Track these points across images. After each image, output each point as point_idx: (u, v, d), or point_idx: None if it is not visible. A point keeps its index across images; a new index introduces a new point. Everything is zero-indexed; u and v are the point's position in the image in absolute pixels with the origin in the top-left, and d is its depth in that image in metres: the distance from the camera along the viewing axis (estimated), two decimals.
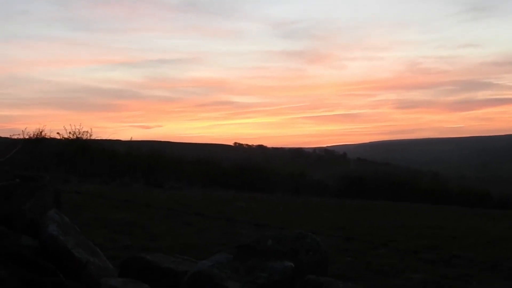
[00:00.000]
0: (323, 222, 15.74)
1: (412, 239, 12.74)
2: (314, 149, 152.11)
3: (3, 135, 31.83)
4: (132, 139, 36.90)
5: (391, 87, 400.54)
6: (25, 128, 29.15)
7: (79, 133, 29.76)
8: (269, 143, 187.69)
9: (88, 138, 30.05)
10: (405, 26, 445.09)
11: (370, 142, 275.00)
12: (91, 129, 30.35)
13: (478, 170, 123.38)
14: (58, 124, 65.21)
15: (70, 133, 29.61)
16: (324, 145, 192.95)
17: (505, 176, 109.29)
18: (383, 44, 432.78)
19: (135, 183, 26.51)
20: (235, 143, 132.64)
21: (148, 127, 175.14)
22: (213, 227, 12.19)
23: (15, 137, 28.30)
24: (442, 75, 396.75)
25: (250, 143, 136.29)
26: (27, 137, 28.25)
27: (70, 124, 30.30)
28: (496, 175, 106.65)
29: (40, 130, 28.79)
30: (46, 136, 29.24)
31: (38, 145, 28.46)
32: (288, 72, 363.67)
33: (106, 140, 32.59)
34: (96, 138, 30.99)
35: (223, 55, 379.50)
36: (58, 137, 29.71)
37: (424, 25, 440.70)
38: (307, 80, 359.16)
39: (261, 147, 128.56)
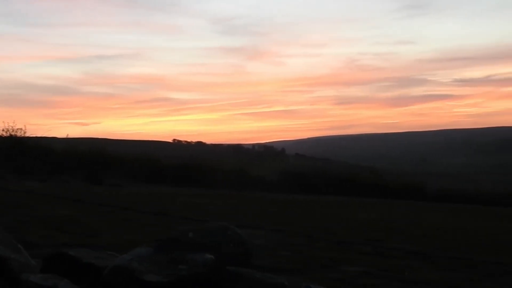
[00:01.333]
0: (264, 216, 15.82)
1: (351, 232, 12.93)
2: (254, 145, 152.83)
3: None
4: (68, 136, 36.34)
5: (329, 83, 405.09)
6: None
7: (13, 131, 29.13)
8: (208, 140, 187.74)
9: (23, 135, 29.42)
10: (343, 23, 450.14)
11: (308, 138, 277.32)
12: (25, 126, 29.70)
13: (415, 165, 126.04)
14: None
15: (3, 130, 28.96)
16: (263, 141, 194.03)
17: (441, 170, 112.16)
18: (322, 40, 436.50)
19: (74, 180, 26.11)
20: (174, 139, 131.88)
21: (85, 124, 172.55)
22: (153, 222, 12.12)
23: None
24: (379, 71, 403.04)
25: (189, 140, 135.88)
26: None
27: (3, 122, 29.62)
28: (432, 169, 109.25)
29: None
30: None
31: None
32: (227, 68, 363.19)
33: (41, 137, 31.99)
34: (31, 136, 30.35)
35: (163, 51, 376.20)
36: None
37: (362, 22, 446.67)
38: (246, 77, 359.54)
39: (200, 144, 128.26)
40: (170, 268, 4.37)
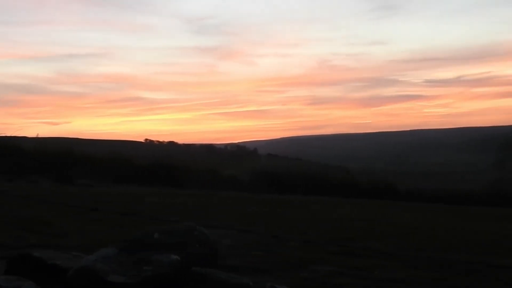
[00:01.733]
0: (235, 216, 15.78)
1: (322, 231, 12.95)
2: (226, 145, 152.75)
3: None
4: (38, 136, 36.00)
5: (301, 83, 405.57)
6: None
7: None
8: (180, 140, 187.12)
9: None
10: (315, 23, 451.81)
11: (281, 138, 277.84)
12: None
13: (387, 164, 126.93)
14: None
15: None
16: (236, 141, 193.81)
17: (412, 169, 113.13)
18: (294, 41, 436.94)
19: (44, 181, 25.82)
20: (146, 139, 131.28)
21: (56, 124, 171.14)
22: (123, 223, 12.03)
23: None
24: (351, 72, 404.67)
25: (161, 140, 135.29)
26: None
27: None
28: (403, 169, 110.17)
29: None
30: None
31: None
32: (199, 68, 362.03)
33: (11, 137, 31.64)
34: (0, 135, 30.01)
35: (134, 50, 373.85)
36: None
37: (334, 23, 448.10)
38: (218, 76, 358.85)
39: (172, 144, 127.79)
40: (135, 269, 4.33)
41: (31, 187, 21.55)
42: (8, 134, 31.44)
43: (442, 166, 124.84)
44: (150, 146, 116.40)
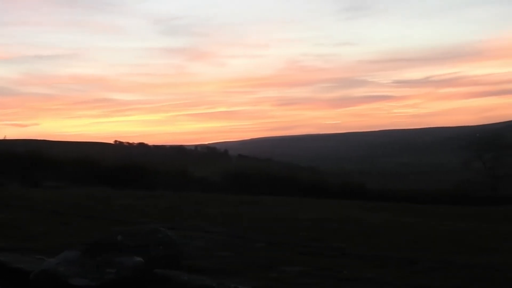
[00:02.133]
0: (205, 217, 15.79)
1: (291, 232, 13.03)
2: (196, 146, 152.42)
3: None
4: (6, 138, 35.59)
5: (271, 84, 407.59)
6: None
7: None
8: (150, 141, 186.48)
9: None
10: (285, 24, 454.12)
11: (251, 139, 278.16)
12: None
13: (356, 165, 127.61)
14: None
15: None
16: (206, 142, 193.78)
17: (381, 170, 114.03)
18: (264, 41, 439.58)
19: (11, 183, 25.52)
20: (116, 141, 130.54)
21: (24, 125, 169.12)
22: (90, 225, 11.97)
23: None
24: (320, 72, 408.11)
25: (131, 141, 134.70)
26: None
27: None
28: (373, 169, 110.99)
29: None
30: None
31: None
32: (169, 69, 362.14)
33: None
34: None
35: (103, 51, 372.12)
36: None
37: (304, 23, 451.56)
38: (188, 78, 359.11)
39: (142, 145, 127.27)
40: (98, 271, 4.33)
41: None
42: None
43: (410, 166, 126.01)
44: (119, 148, 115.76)
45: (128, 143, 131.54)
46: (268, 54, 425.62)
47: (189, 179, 40.26)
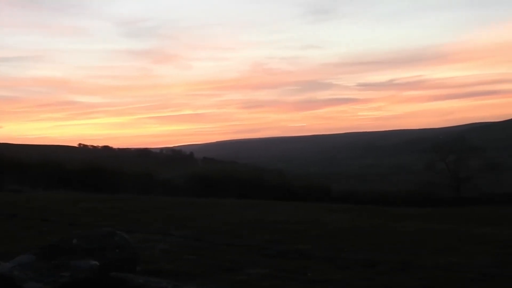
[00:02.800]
0: (169, 220, 15.74)
1: (257, 234, 13.05)
2: (161, 149, 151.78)
3: None
4: None
5: (237, 87, 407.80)
6: None
7: None
8: (115, 144, 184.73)
9: None
10: (250, 27, 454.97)
11: (217, 142, 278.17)
12: None
13: (321, 167, 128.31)
14: None
15: None
16: (172, 145, 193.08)
17: (346, 172, 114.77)
18: (229, 44, 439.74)
19: None
20: (80, 144, 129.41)
21: None
22: (54, 229, 11.82)
23: None
24: (286, 75, 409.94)
25: (95, 144, 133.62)
26: None
27: None
28: (337, 171, 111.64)
29: None
30: None
31: None
32: (134, 71, 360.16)
33: None
34: None
35: (68, 53, 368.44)
36: None
37: (269, 27, 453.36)
38: (153, 80, 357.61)
39: (107, 148, 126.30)
40: (53, 275, 4.30)
41: None
42: None
43: (374, 168, 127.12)
44: (84, 151, 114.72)
45: (92, 146, 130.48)
46: (234, 57, 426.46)
47: (154, 182, 40.09)
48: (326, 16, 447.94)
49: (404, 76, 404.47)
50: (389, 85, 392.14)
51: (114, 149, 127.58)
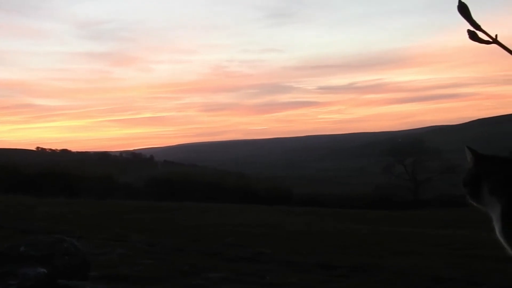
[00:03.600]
0: (128, 224, 15.63)
1: (217, 238, 13.02)
2: (121, 152, 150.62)
3: None
4: None
5: (197, 90, 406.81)
6: None
7: None
8: (74, 147, 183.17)
9: None
10: (211, 30, 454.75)
11: (177, 145, 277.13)
12: None
13: (282, 170, 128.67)
14: None
15: None
16: (132, 148, 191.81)
17: (307, 174, 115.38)
18: (190, 47, 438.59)
19: None
20: (38, 147, 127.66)
21: None
22: (8, 236, 11.64)
23: None
24: (246, 78, 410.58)
25: (53, 148, 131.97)
26: None
27: None
28: (298, 174, 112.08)
29: None
30: None
31: None
32: (93, 74, 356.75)
33: None
34: None
35: (25, 55, 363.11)
36: None
37: (229, 30, 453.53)
38: (113, 83, 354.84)
39: (65, 152, 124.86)
40: (0, 283, 4.24)
41: None
42: None
43: (335, 171, 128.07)
44: (42, 155, 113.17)
45: (50, 149, 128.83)
46: (194, 59, 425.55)
47: (113, 186, 39.72)
48: (287, 19, 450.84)
49: (363, 80, 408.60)
50: (349, 88, 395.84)
51: (73, 152, 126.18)
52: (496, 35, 1.15)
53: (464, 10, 1.17)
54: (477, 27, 1.17)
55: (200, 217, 20.05)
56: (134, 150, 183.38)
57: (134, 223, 16.26)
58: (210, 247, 11.13)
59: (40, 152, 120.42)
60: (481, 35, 1.17)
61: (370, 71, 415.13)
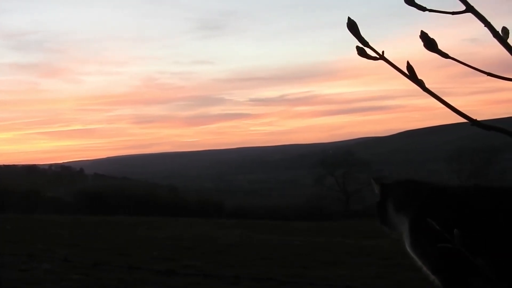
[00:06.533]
0: (57, 240, 15.25)
1: (147, 251, 12.87)
2: (50, 165, 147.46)
3: None
4: None
5: (128, 102, 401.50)
6: None
7: None
8: (0, 161, 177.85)
9: None
10: (141, 41, 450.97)
11: (107, 158, 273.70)
12: None
13: (214, 182, 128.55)
14: None
15: None
16: (61, 161, 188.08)
17: (239, 186, 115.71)
18: (120, 59, 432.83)
19: None
20: None
21: None
22: None
23: None
24: (177, 90, 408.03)
25: None
26: None
27: None
28: (230, 186, 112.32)
29: None
30: None
31: None
32: (20, 85, 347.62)
33: None
34: None
35: None
36: None
37: (160, 41, 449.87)
38: (41, 95, 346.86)
39: None
40: None
41: None
42: None
43: (266, 183, 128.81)
44: None
45: None
46: (125, 71, 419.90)
47: (41, 200, 38.81)
48: (217, 32, 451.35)
49: (294, 92, 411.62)
50: (280, 100, 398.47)
51: None
52: (383, 52, 1.17)
53: (353, 27, 1.21)
54: (365, 43, 1.19)
55: (129, 230, 19.78)
56: (63, 163, 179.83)
57: (60, 238, 15.90)
58: (140, 261, 10.96)
59: None
60: (369, 51, 1.19)
61: (301, 84, 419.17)
